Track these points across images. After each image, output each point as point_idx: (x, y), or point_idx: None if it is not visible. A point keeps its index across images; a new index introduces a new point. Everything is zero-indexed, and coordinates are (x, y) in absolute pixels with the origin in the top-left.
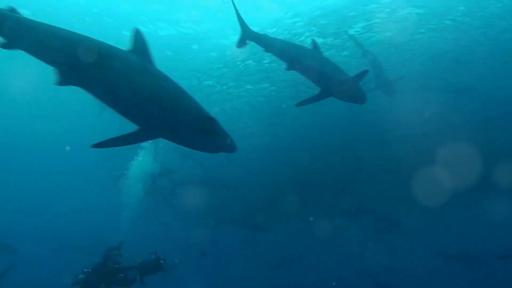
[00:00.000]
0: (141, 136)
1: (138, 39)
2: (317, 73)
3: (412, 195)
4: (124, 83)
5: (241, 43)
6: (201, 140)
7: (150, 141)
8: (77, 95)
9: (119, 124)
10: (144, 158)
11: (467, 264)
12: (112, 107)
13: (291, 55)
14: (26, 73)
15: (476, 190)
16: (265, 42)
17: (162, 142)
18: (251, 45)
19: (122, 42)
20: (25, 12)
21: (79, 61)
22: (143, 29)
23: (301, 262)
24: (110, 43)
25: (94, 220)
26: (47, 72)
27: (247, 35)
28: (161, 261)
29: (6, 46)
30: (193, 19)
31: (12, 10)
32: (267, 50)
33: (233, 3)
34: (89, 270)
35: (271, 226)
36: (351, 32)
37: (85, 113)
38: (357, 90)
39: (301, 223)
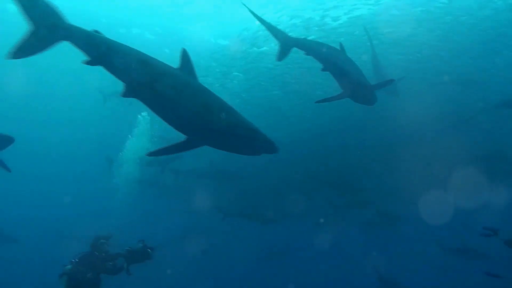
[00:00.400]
0: (189, 144)
1: (185, 58)
2: (347, 77)
3: (413, 190)
4: (176, 98)
5: (283, 53)
6: (244, 146)
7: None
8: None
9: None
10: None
11: (468, 257)
12: (164, 119)
13: (328, 58)
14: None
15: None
16: (306, 46)
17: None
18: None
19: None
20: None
21: (142, 79)
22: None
23: (304, 253)
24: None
25: (91, 207)
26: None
27: (288, 43)
28: (149, 249)
29: (88, 63)
30: None
31: (97, 31)
32: (307, 54)
33: (261, 19)
34: (76, 260)
35: (278, 218)
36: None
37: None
38: (373, 94)
39: (306, 215)
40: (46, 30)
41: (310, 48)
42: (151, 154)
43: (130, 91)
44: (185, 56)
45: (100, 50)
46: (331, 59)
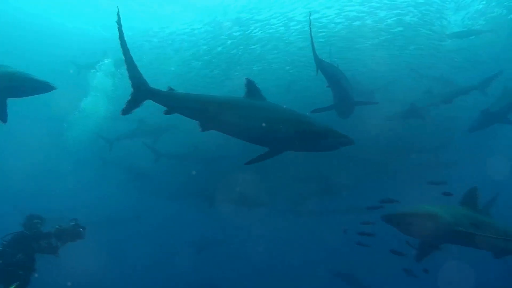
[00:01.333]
0: (273, 153)
1: (250, 84)
2: (346, 94)
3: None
4: (245, 124)
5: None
6: (323, 145)
7: None
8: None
9: None
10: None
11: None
12: (245, 140)
13: (336, 78)
14: None
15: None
16: (325, 69)
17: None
18: None
19: None
20: None
21: (211, 116)
22: None
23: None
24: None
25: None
26: None
27: (318, 64)
28: (80, 228)
29: (167, 112)
30: None
31: (171, 89)
32: (323, 72)
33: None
34: (5, 242)
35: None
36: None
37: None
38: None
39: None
40: (137, 95)
41: (327, 69)
42: (248, 163)
43: (205, 126)
44: (249, 83)
45: (174, 103)
46: (337, 78)
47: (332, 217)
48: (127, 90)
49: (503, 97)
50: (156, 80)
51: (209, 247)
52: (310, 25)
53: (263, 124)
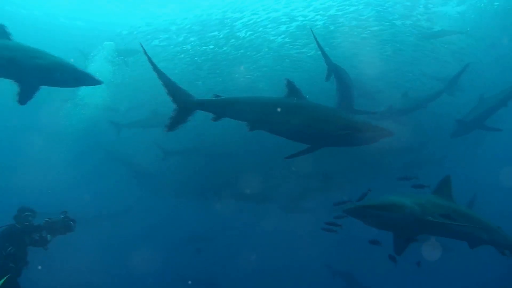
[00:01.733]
0: (313, 148)
1: (290, 85)
2: (351, 102)
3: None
4: (298, 123)
5: (329, 75)
6: (363, 139)
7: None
8: None
9: None
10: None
11: None
12: (289, 138)
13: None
14: None
15: None
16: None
17: None
18: None
19: None
20: None
21: (257, 117)
22: None
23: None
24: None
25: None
26: None
27: (332, 68)
28: (70, 221)
29: (215, 119)
30: None
31: (217, 95)
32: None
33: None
34: None
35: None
36: None
37: None
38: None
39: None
40: (184, 109)
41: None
42: (288, 157)
43: (253, 126)
44: (290, 84)
45: (223, 109)
46: (348, 84)
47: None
48: (127, 77)
49: (478, 106)
50: None
51: (208, 244)
52: (314, 35)
53: (310, 123)
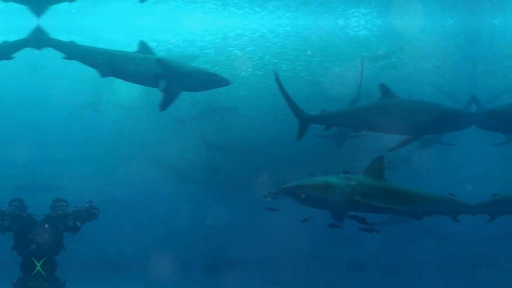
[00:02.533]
0: (414, 138)
1: (384, 88)
2: None
3: None
4: (400, 119)
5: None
6: (457, 125)
7: None
8: None
9: None
10: None
11: None
12: (391, 133)
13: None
14: None
15: None
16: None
17: None
18: None
19: None
20: None
21: (371, 121)
22: None
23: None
24: None
25: None
26: None
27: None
28: (95, 210)
29: (326, 129)
30: None
31: (323, 110)
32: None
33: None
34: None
35: None
36: None
37: None
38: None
39: None
40: (307, 124)
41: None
42: (391, 149)
43: (358, 128)
44: (383, 87)
45: (332, 121)
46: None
47: None
48: None
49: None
50: None
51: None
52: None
53: (409, 117)
